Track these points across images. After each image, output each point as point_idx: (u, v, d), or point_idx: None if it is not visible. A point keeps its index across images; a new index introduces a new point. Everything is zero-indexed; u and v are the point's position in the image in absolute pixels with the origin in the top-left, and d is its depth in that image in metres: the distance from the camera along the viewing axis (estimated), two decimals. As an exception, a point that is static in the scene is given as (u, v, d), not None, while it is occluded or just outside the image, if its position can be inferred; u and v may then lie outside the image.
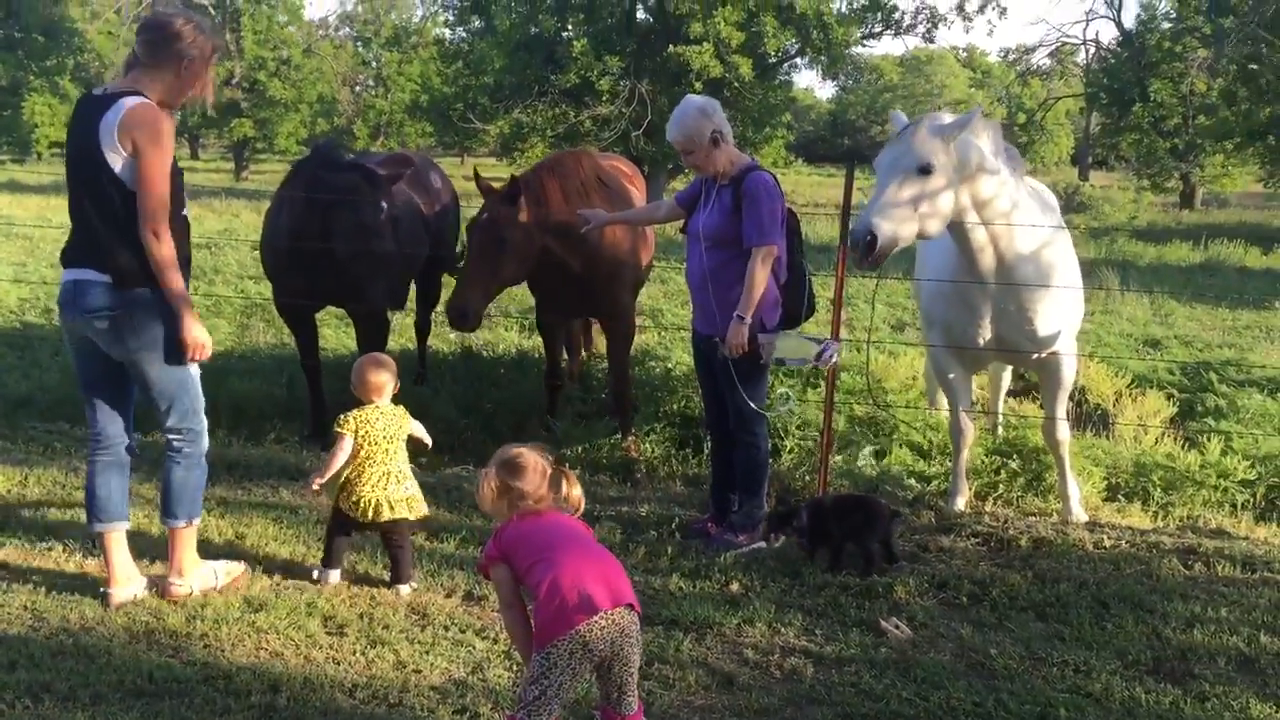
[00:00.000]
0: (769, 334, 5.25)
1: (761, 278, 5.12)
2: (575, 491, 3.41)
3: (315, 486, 4.76)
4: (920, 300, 6.15)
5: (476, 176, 6.36)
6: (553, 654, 3.15)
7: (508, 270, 6.19)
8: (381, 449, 4.73)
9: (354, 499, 4.71)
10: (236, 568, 4.78)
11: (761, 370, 5.38)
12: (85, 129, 4.25)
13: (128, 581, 4.55)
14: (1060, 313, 5.59)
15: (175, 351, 4.37)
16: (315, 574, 4.83)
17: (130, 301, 4.29)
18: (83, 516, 5.38)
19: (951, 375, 5.88)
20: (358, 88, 48.59)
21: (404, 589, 4.72)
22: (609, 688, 3.30)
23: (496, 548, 3.33)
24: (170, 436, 4.55)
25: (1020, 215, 5.33)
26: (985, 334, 5.61)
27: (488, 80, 29.59)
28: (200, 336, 4.37)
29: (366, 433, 4.71)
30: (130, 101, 4.19)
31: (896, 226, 4.94)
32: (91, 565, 4.85)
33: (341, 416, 4.78)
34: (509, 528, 3.34)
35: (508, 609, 3.41)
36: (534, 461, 3.35)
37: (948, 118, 5.15)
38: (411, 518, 4.80)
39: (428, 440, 5.01)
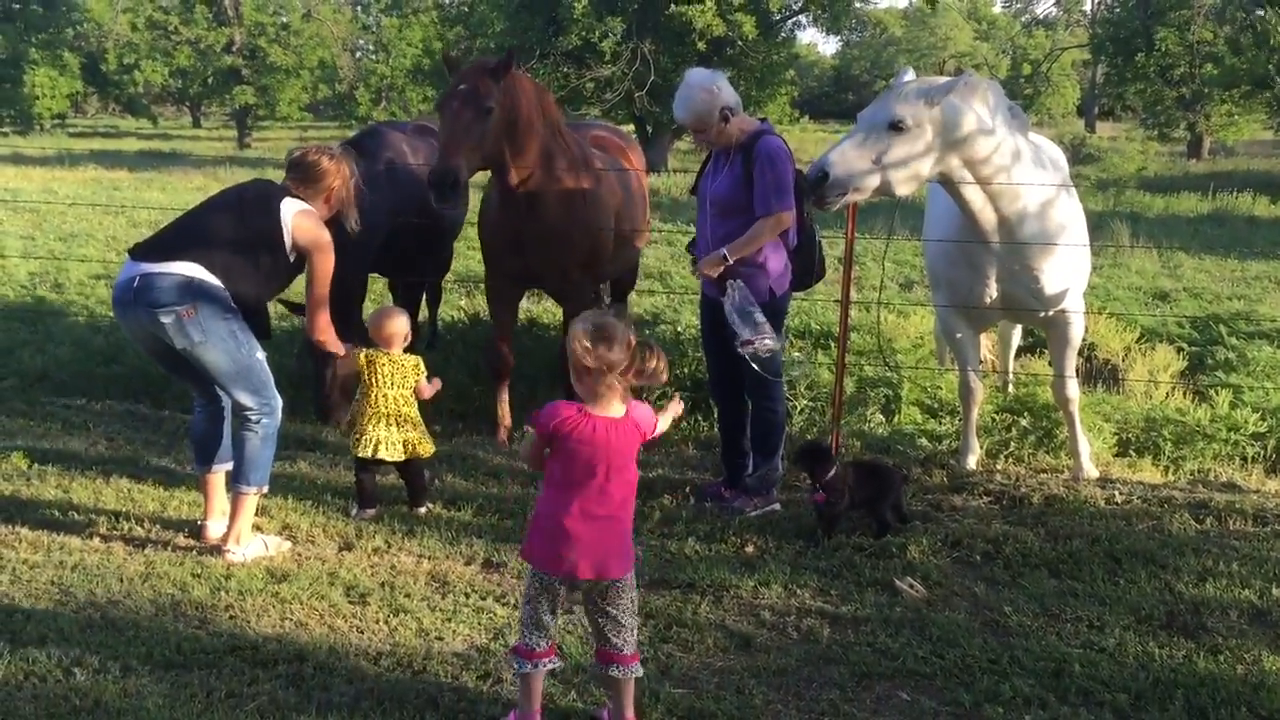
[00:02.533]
0: (742, 293, 5.12)
1: (763, 237, 5.11)
2: (656, 364, 3.37)
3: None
4: (926, 260, 6.15)
5: (445, 55, 6.24)
6: (537, 582, 3.41)
7: (490, 142, 5.70)
8: (383, 393, 5.27)
9: (356, 435, 5.30)
10: (285, 545, 4.92)
11: (780, 332, 5.38)
12: (266, 197, 4.86)
13: (223, 517, 4.97)
14: (1067, 270, 5.59)
15: (232, 341, 4.70)
16: (353, 512, 5.30)
17: (195, 294, 4.60)
18: (104, 491, 5.50)
19: (959, 334, 5.90)
20: (358, 53, 48.26)
21: (420, 510, 5.32)
22: (597, 633, 3.47)
23: (546, 426, 3.35)
24: (245, 411, 4.80)
25: (1021, 174, 5.31)
26: (991, 293, 5.62)
27: (489, 43, 29.39)
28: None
29: (373, 373, 5.27)
30: (297, 207, 4.83)
31: (852, 172, 4.93)
32: (116, 542, 4.92)
33: (358, 351, 5.39)
34: (564, 420, 3.33)
35: (528, 459, 3.61)
36: (622, 332, 3.37)
37: (934, 82, 5.13)
38: (404, 458, 5.31)
39: (426, 393, 5.42)
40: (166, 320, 4.57)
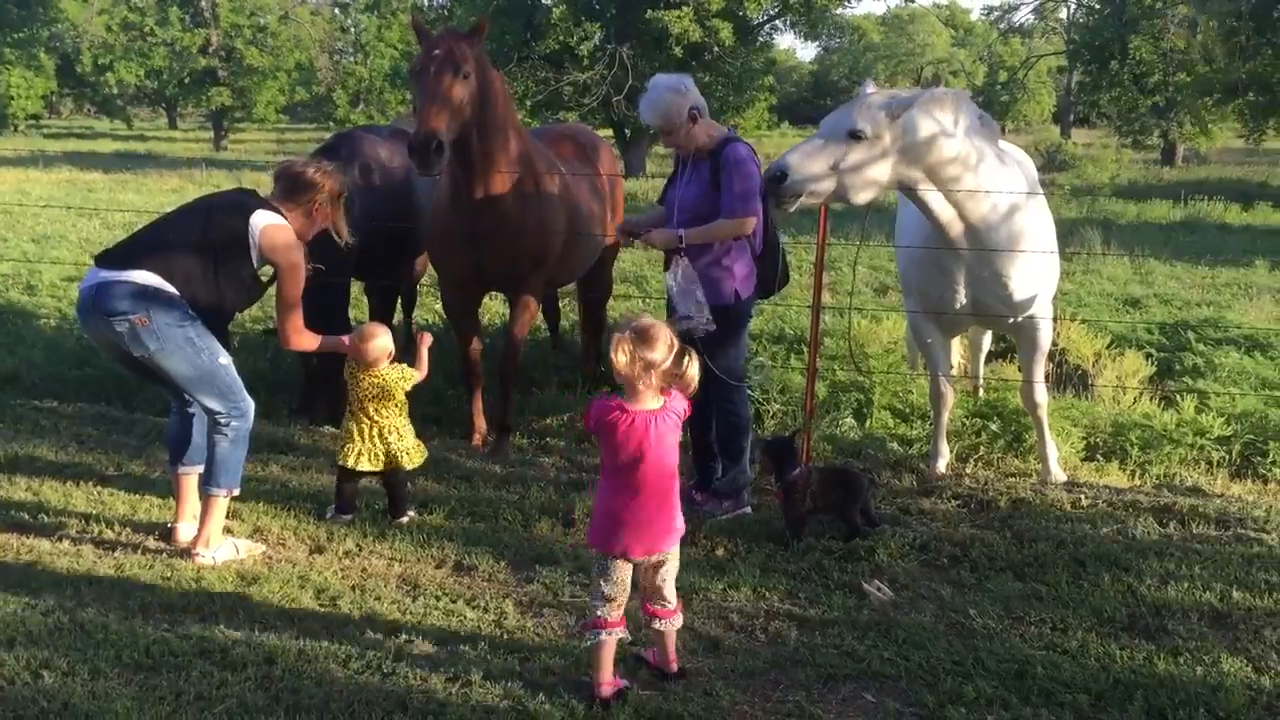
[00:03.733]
0: (686, 272, 5.18)
1: (725, 232, 5.15)
2: (692, 370, 3.70)
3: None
4: (899, 266, 6.21)
5: (415, 21, 6.04)
6: (600, 562, 3.76)
7: (468, 109, 5.66)
8: (364, 406, 5.24)
9: (342, 446, 5.29)
10: (257, 548, 4.92)
11: (738, 338, 5.43)
12: (238, 206, 4.87)
13: (193, 520, 4.97)
14: (1035, 278, 5.65)
15: (189, 348, 4.68)
16: (328, 514, 5.31)
17: (150, 302, 4.59)
18: (75, 494, 5.48)
19: (930, 340, 5.95)
20: (336, 55, 48.09)
21: (402, 519, 5.28)
22: (644, 593, 3.85)
23: (590, 425, 3.79)
24: (214, 415, 4.80)
25: (987, 182, 5.36)
26: (961, 299, 5.68)
27: (467, 46, 29.34)
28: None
29: (355, 385, 5.24)
30: (267, 220, 4.79)
31: (808, 175, 4.99)
32: (85, 544, 4.91)
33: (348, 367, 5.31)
34: (608, 417, 3.68)
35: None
36: (664, 334, 3.67)
37: (898, 94, 5.19)
38: (384, 469, 5.30)
39: (424, 369, 5.39)
40: (121, 329, 4.57)
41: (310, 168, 5.03)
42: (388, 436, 5.27)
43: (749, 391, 5.96)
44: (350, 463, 5.24)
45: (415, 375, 5.32)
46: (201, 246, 4.73)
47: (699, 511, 5.39)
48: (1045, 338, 5.93)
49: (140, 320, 4.56)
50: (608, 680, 3.72)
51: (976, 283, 5.59)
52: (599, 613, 3.72)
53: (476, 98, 5.70)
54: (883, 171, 5.12)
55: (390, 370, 5.25)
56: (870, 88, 5.30)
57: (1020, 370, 6.17)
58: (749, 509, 5.45)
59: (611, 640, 3.73)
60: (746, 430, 5.56)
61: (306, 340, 5.04)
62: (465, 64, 5.61)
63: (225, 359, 4.79)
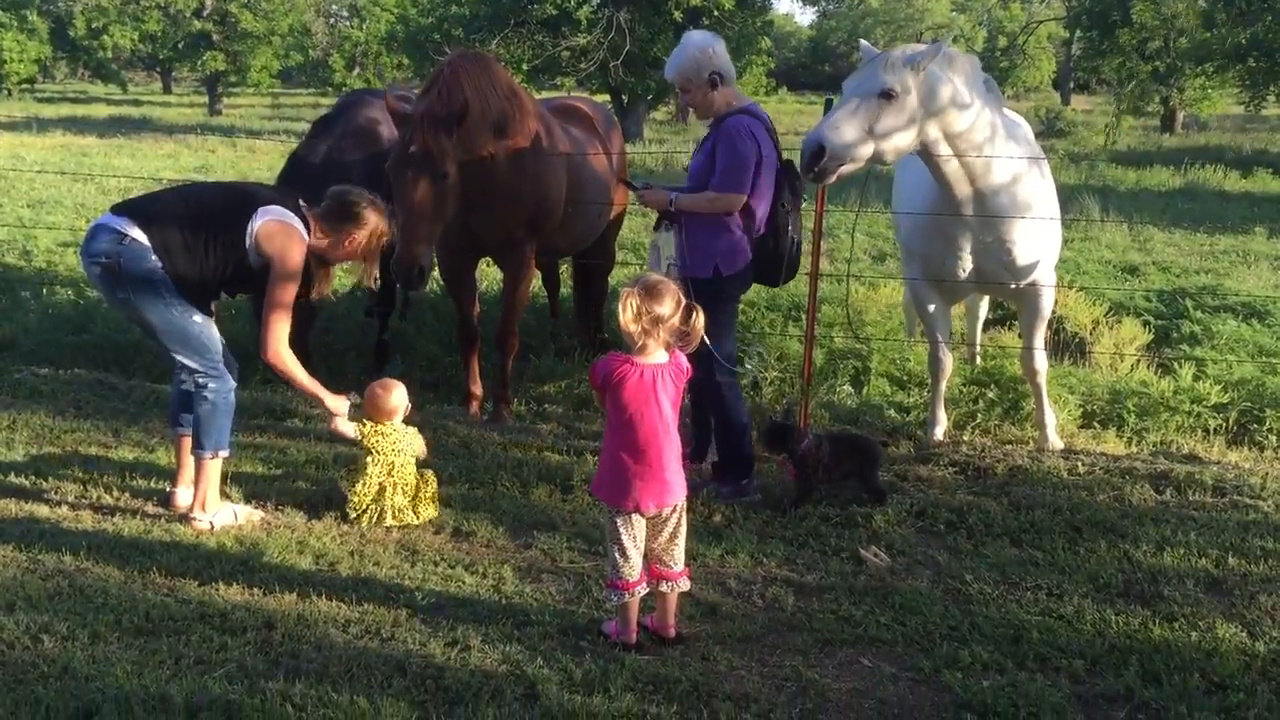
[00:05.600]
0: (664, 238, 5.19)
1: (712, 205, 5.02)
2: (699, 324, 3.77)
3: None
4: (899, 233, 6.19)
5: (389, 100, 5.72)
6: (613, 519, 3.79)
7: (450, 206, 5.54)
8: (384, 460, 4.91)
9: (356, 502, 4.89)
10: (256, 514, 4.91)
11: (719, 316, 5.08)
12: (250, 195, 4.81)
13: (191, 485, 4.94)
14: (1038, 244, 5.64)
15: (160, 302, 4.63)
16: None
17: (122, 251, 4.57)
18: (73, 460, 5.51)
19: (931, 307, 5.94)
20: (332, 19, 47.76)
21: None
22: (655, 549, 3.85)
23: (597, 380, 3.81)
24: (193, 375, 4.78)
25: (996, 147, 5.35)
26: (965, 266, 5.66)
27: (463, 11, 29.17)
28: (337, 407, 4.92)
29: (376, 443, 4.93)
30: (274, 214, 4.68)
31: (847, 142, 4.94)
32: (84, 510, 4.92)
33: (361, 425, 4.98)
34: (615, 371, 3.73)
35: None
36: (672, 289, 3.73)
37: (917, 48, 5.15)
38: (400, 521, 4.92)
39: (423, 452, 5.13)
40: (94, 270, 4.66)
41: (364, 201, 4.88)
42: (407, 493, 4.93)
43: (739, 379, 5.63)
44: (362, 522, 4.87)
45: (419, 444, 5.11)
46: (195, 217, 4.69)
47: (699, 489, 5.27)
48: (1047, 304, 5.92)
49: (110, 265, 4.58)
50: (633, 629, 3.85)
51: (981, 249, 5.57)
52: (621, 572, 3.79)
53: (458, 186, 5.50)
54: (911, 131, 5.07)
55: (410, 429, 5.06)
56: (872, 49, 5.25)
57: (1020, 337, 6.16)
58: (753, 496, 5.26)
59: (635, 600, 3.83)
60: (743, 431, 5.29)
61: (287, 361, 4.75)
62: (444, 162, 5.35)
63: (199, 318, 4.73)
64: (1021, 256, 5.59)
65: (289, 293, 4.71)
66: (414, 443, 5.06)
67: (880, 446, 5.25)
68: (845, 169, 5.02)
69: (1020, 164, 5.49)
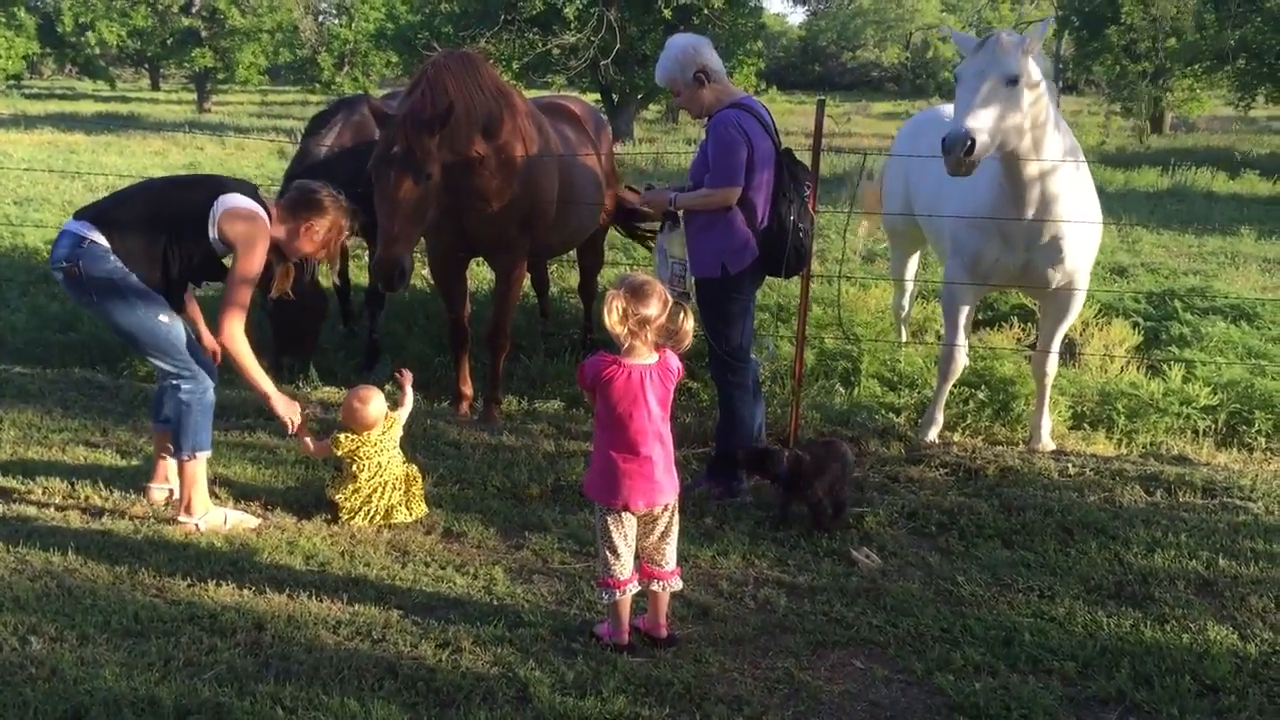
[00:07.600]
0: (674, 229, 5.22)
1: (710, 202, 5.00)
2: (688, 324, 3.75)
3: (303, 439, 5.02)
4: (946, 228, 5.91)
5: (370, 103, 5.84)
6: (604, 518, 3.79)
7: (432, 206, 5.49)
8: (370, 464, 4.90)
9: (346, 507, 4.89)
10: (249, 521, 4.86)
11: (729, 314, 5.14)
12: (214, 184, 4.84)
13: (165, 480, 5.04)
14: (1089, 245, 5.62)
15: (123, 303, 4.62)
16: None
17: (82, 254, 4.57)
18: (61, 459, 5.47)
19: (965, 308, 5.85)
20: (320, 16, 47.59)
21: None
22: (647, 549, 3.86)
23: (585, 381, 3.81)
24: (167, 378, 4.77)
25: (1049, 140, 5.28)
26: (1017, 265, 5.59)
27: (453, 8, 29.08)
28: (288, 415, 4.88)
29: (356, 451, 4.91)
30: (236, 202, 4.67)
31: (993, 131, 4.93)
32: (72, 510, 4.89)
33: (338, 435, 4.95)
34: (604, 372, 3.72)
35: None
36: (659, 290, 3.72)
37: (1011, 32, 5.12)
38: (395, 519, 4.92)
39: (404, 414, 5.17)
40: (59, 278, 4.68)
41: (324, 191, 4.91)
42: (393, 491, 4.92)
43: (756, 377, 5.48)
44: (344, 518, 4.89)
45: (403, 413, 5.12)
46: (156, 214, 4.68)
47: (694, 488, 5.26)
48: (1077, 307, 5.87)
49: (71, 270, 4.58)
50: (625, 629, 3.85)
51: (1037, 247, 5.51)
52: (612, 570, 3.80)
53: (439, 187, 5.45)
54: (1025, 117, 5.05)
55: (387, 434, 4.99)
56: (965, 36, 5.29)
57: (1039, 338, 6.07)
58: (744, 498, 5.26)
59: (627, 598, 3.83)
60: (744, 432, 5.25)
61: (239, 344, 4.69)
62: (427, 163, 5.29)
63: (165, 316, 4.68)
64: (1072, 257, 5.55)
65: (256, 268, 4.69)
66: (394, 433, 5.01)
67: (851, 453, 5.11)
68: (987, 156, 5.01)
69: (1074, 163, 5.48)
